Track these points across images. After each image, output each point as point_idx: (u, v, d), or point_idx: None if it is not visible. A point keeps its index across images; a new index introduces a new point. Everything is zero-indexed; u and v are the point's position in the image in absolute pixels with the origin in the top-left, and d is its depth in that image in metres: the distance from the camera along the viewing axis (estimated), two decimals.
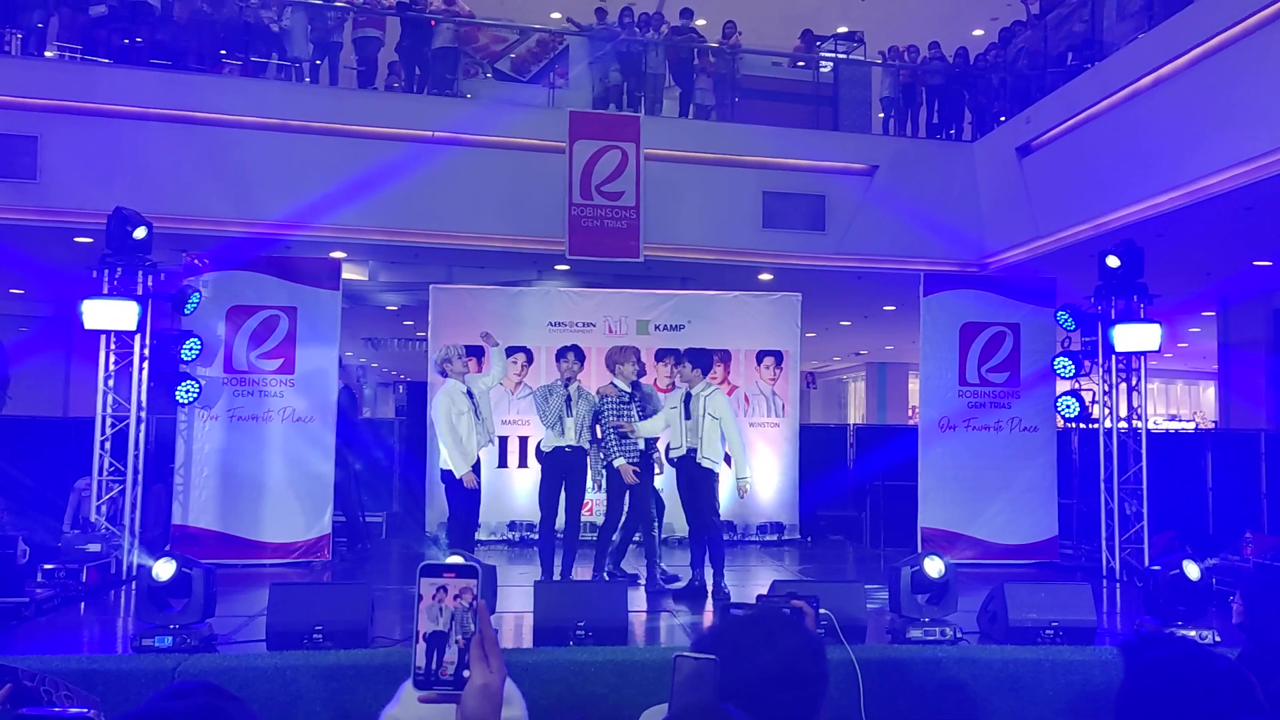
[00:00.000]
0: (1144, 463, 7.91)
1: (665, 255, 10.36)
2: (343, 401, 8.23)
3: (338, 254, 9.96)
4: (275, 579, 6.05)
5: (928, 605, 5.08)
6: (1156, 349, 7.85)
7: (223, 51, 10.56)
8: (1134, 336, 7.75)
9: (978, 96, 11.94)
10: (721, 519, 6.94)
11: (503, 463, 9.23)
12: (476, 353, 8.21)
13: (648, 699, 2.19)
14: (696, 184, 10.52)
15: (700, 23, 12.08)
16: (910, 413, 18.78)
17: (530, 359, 9.34)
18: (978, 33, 13.39)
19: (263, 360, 7.82)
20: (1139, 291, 7.82)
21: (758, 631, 1.66)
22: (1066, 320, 8.17)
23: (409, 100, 10.62)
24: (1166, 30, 8.22)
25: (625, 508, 6.82)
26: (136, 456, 7.30)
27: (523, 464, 9.20)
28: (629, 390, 6.88)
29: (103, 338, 7.31)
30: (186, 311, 7.53)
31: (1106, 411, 8.14)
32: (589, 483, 6.91)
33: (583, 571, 7.01)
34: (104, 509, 7.24)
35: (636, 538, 7.01)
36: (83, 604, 6.18)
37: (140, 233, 7.28)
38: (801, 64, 12.56)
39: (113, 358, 7.35)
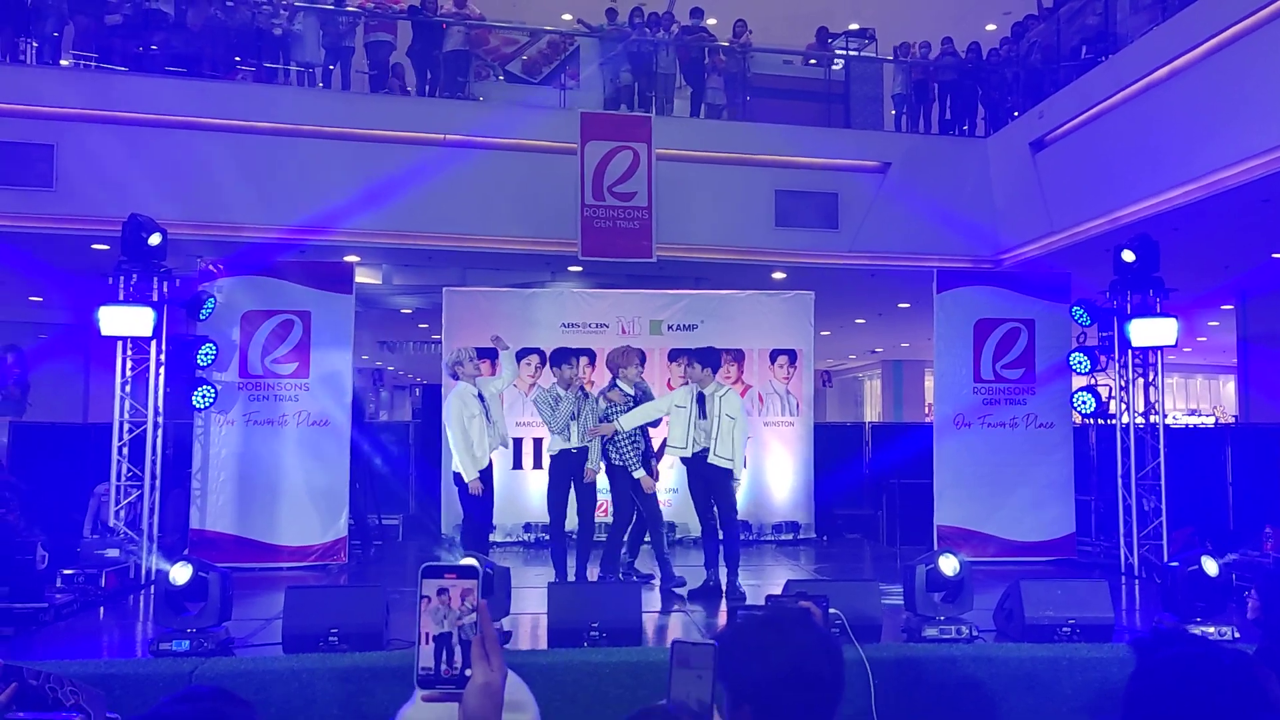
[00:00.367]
0: (1162, 458, 7.85)
1: (678, 255, 10.35)
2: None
3: (352, 258, 10.01)
4: (292, 582, 6.09)
5: (943, 604, 5.06)
6: (1173, 343, 7.79)
7: (237, 58, 10.63)
8: (1150, 331, 7.69)
9: (991, 92, 11.87)
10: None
11: (517, 464, 9.25)
12: (489, 355, 8.22)
13: (662, 699, 2.18)
14: (709, 183, 10.50)
15: (711, 22, 12.06)
16: (926, 410, 18.69)
17: (544, 360, 9.35)
18: (990, 27, 13.30)
19: (277, 364, 7.87)
20: (1155, 286, 7.76)
21: (771, 632, 1.65)
22: (1082, 315, 8.11)
23: (421, 104, 10.66)
24: (1180, 22, 8.15)
25: (633, 510, 6.84)
26: (154, 461, 7.36)
27: (537, 465, 9.21)
28: (633, 394, 6.87)
29: (119, 344, 7.37)
30: (202, 317, 7.59)
31: (1124, 407, 8.08)
32: (598, 481, 6.90)
33: (596, 573, 7.02)
34: (122, 514, 7.30)
35: (646, 539, 7.01)
36: (101, 609, 6.24)
37: (155, 239, 7.34)
38: (813, 62, 12.53)
39: (130, 364, 7.42)
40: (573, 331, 9.42)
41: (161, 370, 7.44)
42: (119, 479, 7.36)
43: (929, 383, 18.16)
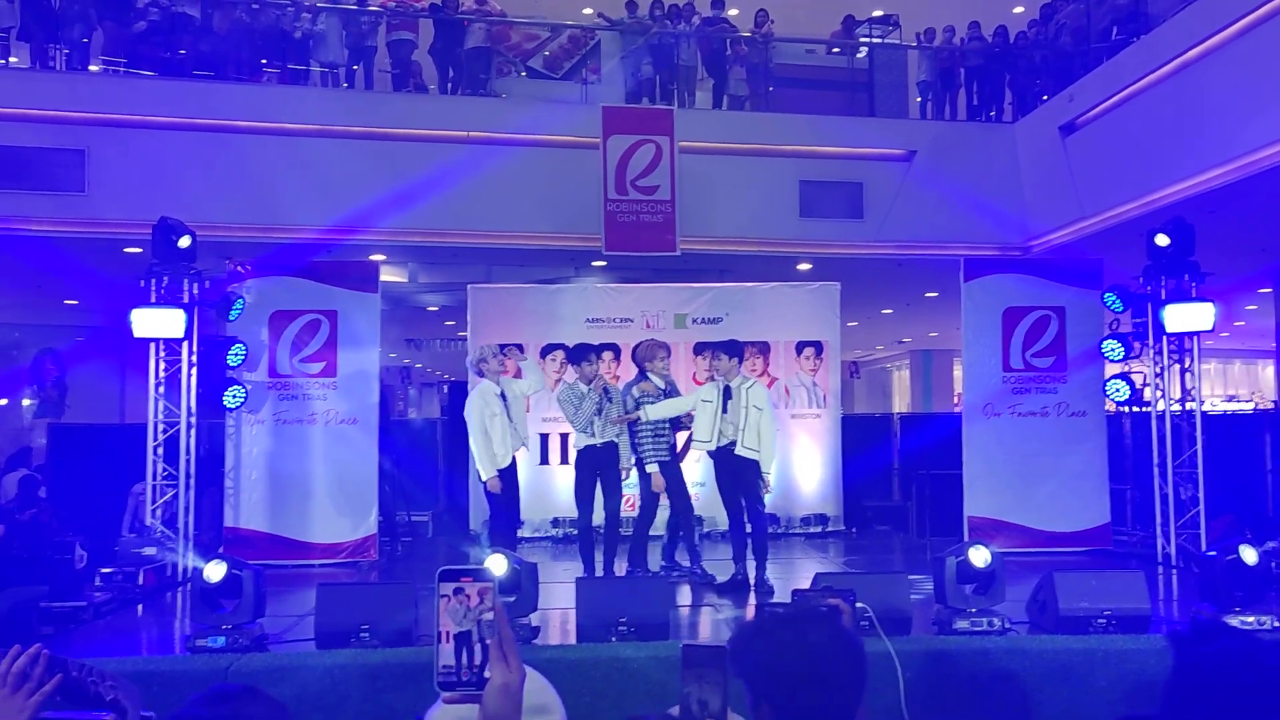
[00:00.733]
0: (1199, 445, 7.72)
1: (702, 248, 10.32)
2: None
3: (377, 256, 10.07)
4: (324, 579, 6.15)
5: (974, 595, 5.01)
6: (1210, 329, 7.64)
7: (263, 60, 10.73)
8: (1186, 316, 7.56)
9: (1019, 76, 11.71)
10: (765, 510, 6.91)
11: (544, 459, 9.28)
12: (516, 350, 8.25)
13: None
14: (732, 175, 10.46)
15: (732, 13, 11.99)
16: (956, 400, 18.52)
17: (569, 356, 9.36)
18: (1018, 10, 13.13)
19: (305, 364, 7.94)
20: (1190, 270, 7.62)
21: (790, 631, 1.64)
22: (1114, 302, 7.98)
23: (444, 102, 10.70)
24: (1214, 0, 7.99)
25: (658, 504, 6.84)
26: (188, 461, 7.46)
27: (564, 460, 9.23)
28: (663, 387, 6.86)
29: (152, 346, 7.48)
30: (231, 318, 7.68)
31: (1159, 394, 7.95)
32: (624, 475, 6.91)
33: (624, 567, 7.03)
34: (159, 513, 7.41)
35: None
36: (140, 606, 6.34)
37: (185, 242, 7.42)
38: (836, 50, 12.42)
39: (162, 365, 7.52)
40: (597, 326, 9.42)
41: (193, 371, 7.53)
42: (155, 478, 7.47)
43: (958, 372, 18.01)
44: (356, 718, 4.24)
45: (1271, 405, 16.70)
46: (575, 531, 7.40)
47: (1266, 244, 10.18)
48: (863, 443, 10.30)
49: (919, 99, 11.93)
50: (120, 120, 9.39)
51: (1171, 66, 8.46)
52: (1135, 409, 8.34)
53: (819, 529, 9.48)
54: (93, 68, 10.19)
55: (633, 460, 6.79)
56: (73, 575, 5.97)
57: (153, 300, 7.36)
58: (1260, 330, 16.15)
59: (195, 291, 7.53)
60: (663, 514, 7.07)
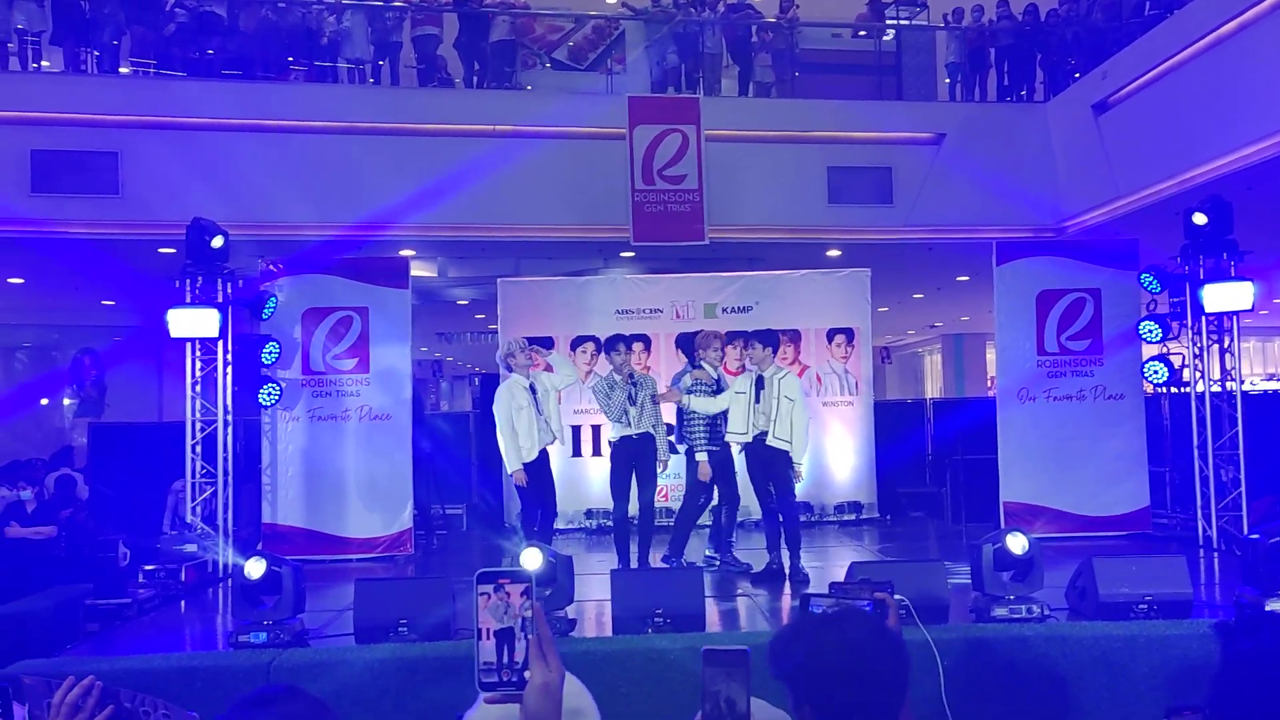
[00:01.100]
0: (1239, 426, 7.59)
1: (731, 236, 10.27)
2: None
3: (407, 252, 10.13)
4: (361, 573, 6.23)
5: (1012, 583, 4.96)
6: (1249, 308, 7.50)
7: (290, 58, 10.80)
8: (1225, 296, 7.43)
9: (1050, 54, 11.52)
10: (797, 499, 6.90)
11: (576, 452, 9.30)
12: (545, 343, 8.28)
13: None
14: (759, 163, 10.40)
15: None
16: (989, 384, 18.33)
17: (599, 348, 9.37)
18: None
19: (338, 360, 8.01)
20: (1229, 249, 7.48)
21: (833, 631, 1.63)
22: (1151, 283, 7.86)
23: (469, 96, 10.72)
24: None
25: (704, 494, 6.84)
26: (226, 458, 7.57)
27: (596, 452, 9.26)
28: (716, 376, 6.85)
29: (188, 345, 7.58)
30: (264, 316, 7.76)
31: (1198, 375, 7.82)
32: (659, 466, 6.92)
33: (660, 558, 7.04)
34: (198, 510, 7.53)
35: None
36: (182, 603, 6.44)
37: (218, 241, 7.51)
38: (863, 33, 12.29)
39: (198, 364, 7.63)
40: (627, 318, 9.42)
41: (229, 369, 7.63)
42: (193, 476, 7.59)
43: (990, 355, 17.82)
44: (397, 711, 4.28)
45: None
46: (610, 523, 7.42)
47: None
48: (896, 429, 10.23)
49: (948, 81, 11.77)
50: (151, 122, 9.51)
51: (1206, 41, 8.28)
52: (1175, 389, 8.21)
53: (853, 517, 9.44)
54: (123, 70, 10.31)
55: (668, 452, 6.82)
56: (117, 573, 6.09)
57: (188, 300, 7.46)
58: None
59: (229, 291, 7.63)
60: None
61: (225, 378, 7.64)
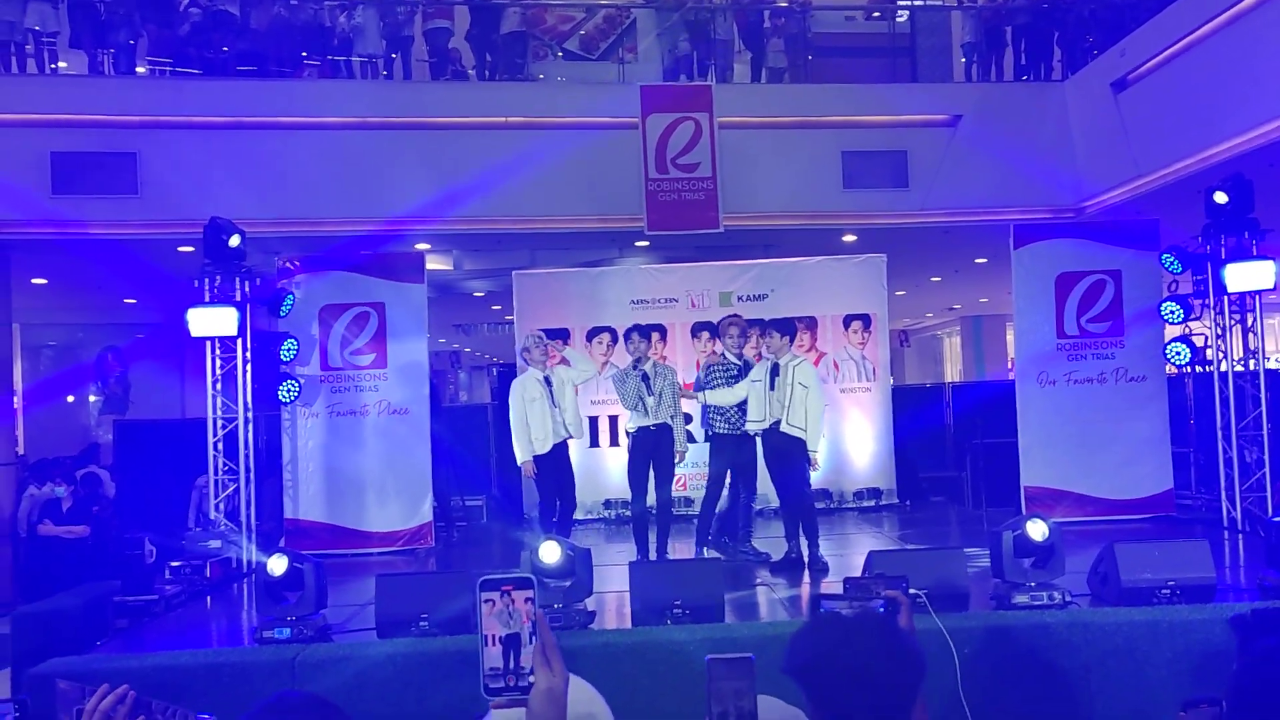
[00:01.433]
0: (1264, 407, 7.50)
1: (746, 224, 10.23)
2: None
3: (422, 246, 10.16)
4: (383, 567, 6.28)
5: (1033, 569, 4.94)
6: (1272, 286, 7.41)
7: (304, 54, 10.83)
8: (1247, 275, 7.34)
9: (1067, 32, 11.36)
10: (813, 488, 6.89)
11: (594, 442, 9.32)
12: (562, 335, 8.30)
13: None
14: (773, 149, 10.33)
15: None
16: (1009, 365, 18.20)
17: (615, 339, 9.38)
18: None
19: (356, 356, 8.06)
20: (1250, 227, 7.39)
21: (840, 636, 1.64)
22: (1173, 263, 7.76)
23: (482, 88, 10.72)
24: None
25: (725, 481, 6.84)
26: (247, 455, 7.64)
27: (614, 443, 9.28)
28: (737, 362, 6.82)
29: (207, 343, 7.65)
30: (282, 313, 7.82)
31: (1221, 355, 7.74)
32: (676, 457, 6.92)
33: (681, 548, 7.06)
34: (221, 506, 7.61)
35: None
36: (208, 598, 6.52)
37: (235, 240, 7.57)
38: (876, 15, 12.17)
39: (218, 362, 7.70)
40: (643, 308, 9.42)
41: (248, 367, 7.70)
42: (215, 473, 7.67)
43: (1010, 337, 17.67)
44: (419, 704, 4.32)
45: None
46: (628, 514, 7.44)
47: None
48: (915, 413, 10.20)
49: (963, 61, 11.65)
50: (168, 122, 9.57)
51: (1226, 17, 8.15)
52: (1199, 369, 8.13)
53: (872, 503, 9.42)
54: (139, 69, 10.38)
55: (685, 442, 6.83)
56: (144, 570, 6.17)
57: (206, 299, 7.53)
58: None
59: (247, 289, 7.68)
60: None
61: (245, 375, 7.70)
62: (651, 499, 6.83)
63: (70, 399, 14.72)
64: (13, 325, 10.67)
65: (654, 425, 6.70)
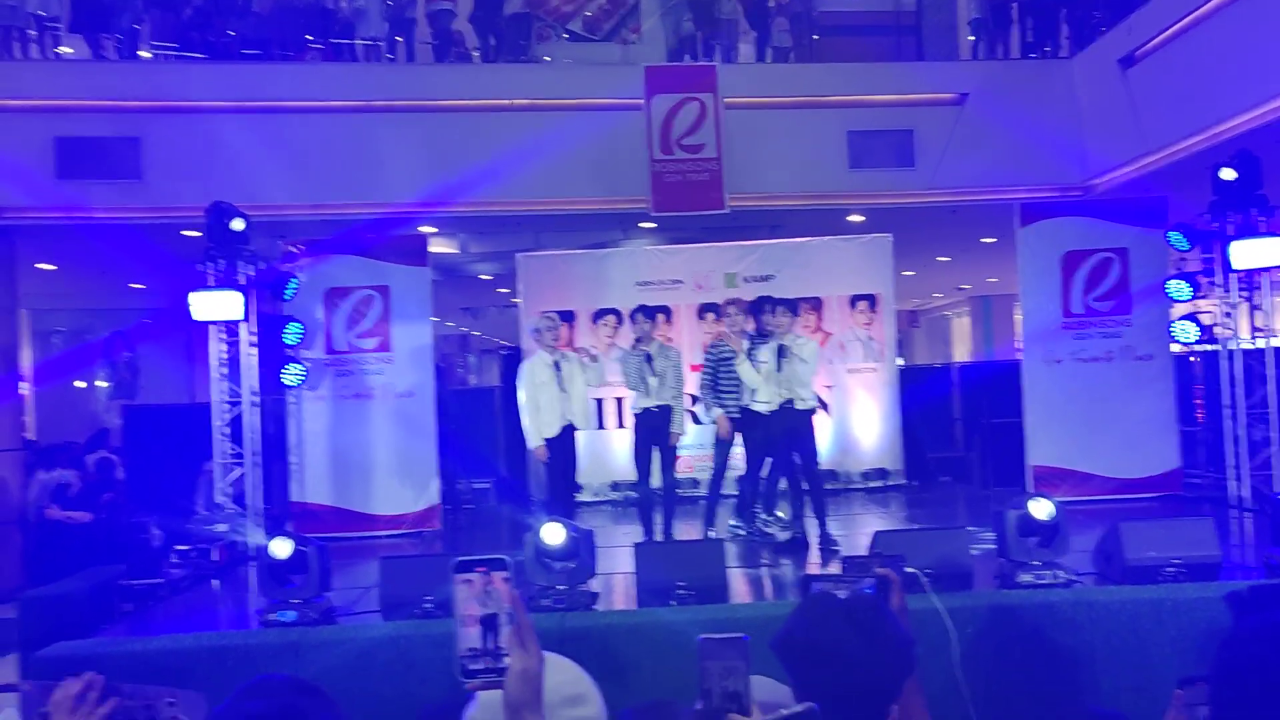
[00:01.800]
0: (1271, 384, 7.47)
1: (751, 204, 10.17)
2: None
3: (427, 229, 10.13)
4: (389, 550, 6.31)
5: (1038, 548, 4.92)
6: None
7: (308, 37, 10.80)
8: (1255, 252, 7.30)
9: (1075, 8, 11.24)
10: (821, 468, 6.89)
11: (601, 424, 9.33)
12: (568, 318, 8.29)
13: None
14: (778, 129, 10.26)
15: None
16: (1018, 345, 18.14)
17: (620, 320, 9.37)
18: None
19: (361, 340, 8.07)
20: (1258, 204, 7.33)
21: (823, 618, 1.64)
22: (1180, 240, 7.71)
23: (485, 70, 10.67)
24: None
25: (725, 463, 6.83)
26: (253, 439, 7.66)
27: (620, 425, 9.28)
28: (743, 342, 6.80)
29: (212, 328, 7.66)
30: (286, 297, 7.81)
31: (1229, 333, 7.69)
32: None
33: (687, 529, 7.07)
34: (229, 490, 7.64)
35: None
36: (215, 582, 6.56)
37: (238, 224, 7.56)
38: None
39: (223, 346, 7.70)
40: (648, 289, 9.40)
41: (253, 351, 7.71)
42: (222, 457, 7.69)
43: (1019, 317, 17.60)
44: (423, 685, 4.34)
45: None
46: (635, 495, 7.44)
47: None
48: (922, 394, 10.17)
49: (970, 38, 11.54)
50: (171, 106, 9.55)
51: None
52: (1208, 345, 8.08)
53: (879, 483, 9.41)
54: (143, 53, 10.36)
55: (685, 423, 6.83)
56: (150, 553, 6.21)
57: (210, 283, 7.52)
58: None
59: (251, 273, 7.68)
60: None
61: (250, 359, 7.71)
62: (656, 480, 6.83)
63: (81, 384, 14.78)
64: (20, 311, 10.70)
65: (656, 406, 6.69)
